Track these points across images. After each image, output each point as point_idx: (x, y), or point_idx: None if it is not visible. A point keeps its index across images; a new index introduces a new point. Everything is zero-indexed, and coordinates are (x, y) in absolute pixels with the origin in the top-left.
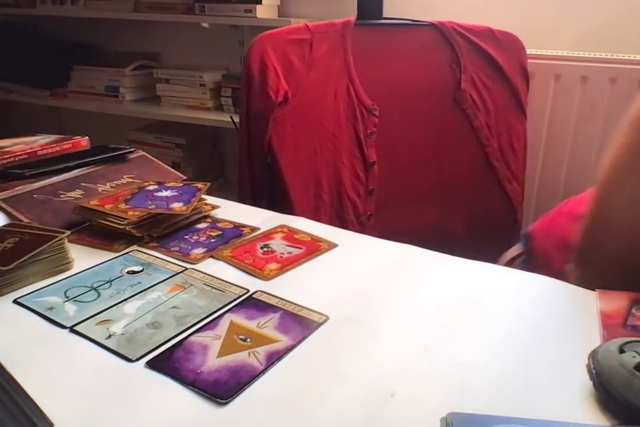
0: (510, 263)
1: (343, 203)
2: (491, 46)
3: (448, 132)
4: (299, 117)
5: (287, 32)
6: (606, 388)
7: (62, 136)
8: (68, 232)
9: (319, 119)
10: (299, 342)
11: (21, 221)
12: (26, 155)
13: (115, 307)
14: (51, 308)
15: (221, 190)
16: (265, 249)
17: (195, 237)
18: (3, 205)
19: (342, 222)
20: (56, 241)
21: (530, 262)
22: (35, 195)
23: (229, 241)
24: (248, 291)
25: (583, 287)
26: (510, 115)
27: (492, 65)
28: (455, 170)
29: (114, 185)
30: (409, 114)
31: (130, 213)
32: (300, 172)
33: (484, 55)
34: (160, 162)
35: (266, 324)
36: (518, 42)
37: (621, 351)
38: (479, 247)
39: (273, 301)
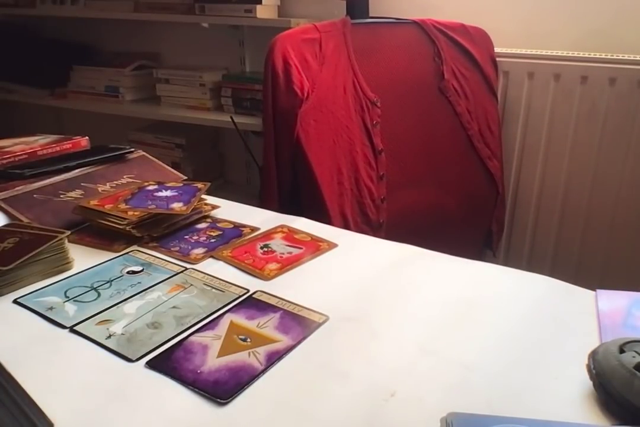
0: None
1: (360, 188)
2: (465, 40)
3: (435, 118)
4: (318, 111)
5: (301, 32)
6: (606, 388)
7: (62, 136)
8: (68, 232)
9: (333, 112)
10: (299, 342)
11: (21, 221)
12: (26, 155)
13: (115, 307)
14: (51, 308)
15: (221, 190)
16: (265, 249)
17: (195, 237)
18: (3, 205)
19: (360, 206)
20: (56, 241)
21: None
22: (35, 195)
23: (229, 241)
24: (248, 291)
25: None
26: (486, 100)
27: (467, 57)
28: (444, 152)
29: (114, 185)
30: (403, 104)
31: (130, 213)
32: (325, 163)
33: (460, 49)
34: (160, 162)
35: (266, 324)
36: (487, 36)
37: (621, 351)
38: (468, 218)
39: (273, 301)
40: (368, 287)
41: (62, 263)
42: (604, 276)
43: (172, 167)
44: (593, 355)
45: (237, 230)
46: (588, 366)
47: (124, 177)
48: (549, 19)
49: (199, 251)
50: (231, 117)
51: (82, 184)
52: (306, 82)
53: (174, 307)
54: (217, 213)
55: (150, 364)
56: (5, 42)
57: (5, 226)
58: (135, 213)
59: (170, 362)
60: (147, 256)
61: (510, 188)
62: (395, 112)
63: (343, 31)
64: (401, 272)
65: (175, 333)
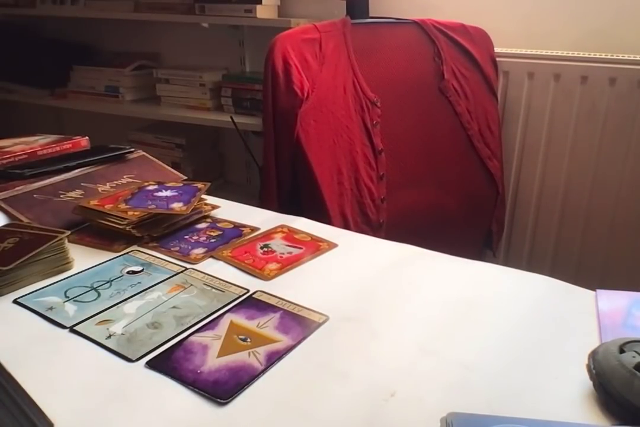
0: None
1: (360, 188)
2: (465, 40)
3: (435, 118)
4: (318, 111)
5: (301, 32)
6: (606, 388)
7: (62, 136)
8: (68, 232)
9: (333, 112)
10: (299, 342)
11: (21, 221)
12: (26, 155)
13: (115, 307)
14: (51, 308)
15: (221, 190)
16: (265, 249)
17: (195, 237)
18: (3, 205)
19: (360, 206)
20: (56, 241)
21: None
22: (35, 195)
23: (229, 241)
24: (248, 291)
25: None
26: (486, 100)
27: (467, 57)
28: (444, 153)
29: (114, 185)
30: (403, 105)
31: (130, 213)
32: (325, 163)
33: (460, 49)
34: (160, 162)
35: (266, 324)
36: (487, 36)
37: (621, 351)
38: (468, 218)
39: (273, 301)
40: (368, 287)
41: (62, 263)
42: (604, 276)
43: (172, 167)
44: (593, 355)
45: (237, 230)
46: (588, 366)
47: (124, 177)
48: (549, 19)
49: (199, 251)
50: (231, 117)
51: (82, 184)
52: (306, 82)
53: (174, 307)
54: (217, 213)
55: (150, 364)
56: (5, 42)
57: (5, 226)
58: (135, 213)
59: (170, 362)
60: (147, 256)
61: (510, 188)
62: (395, 112)
63: (343, 31)
64: (401, 272)
65: (175, 333)
